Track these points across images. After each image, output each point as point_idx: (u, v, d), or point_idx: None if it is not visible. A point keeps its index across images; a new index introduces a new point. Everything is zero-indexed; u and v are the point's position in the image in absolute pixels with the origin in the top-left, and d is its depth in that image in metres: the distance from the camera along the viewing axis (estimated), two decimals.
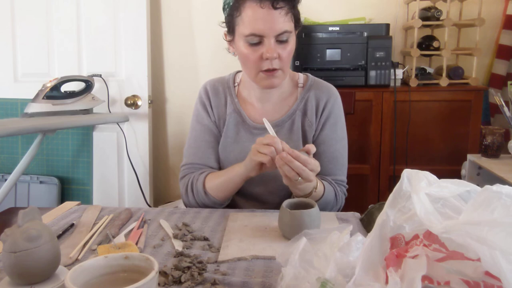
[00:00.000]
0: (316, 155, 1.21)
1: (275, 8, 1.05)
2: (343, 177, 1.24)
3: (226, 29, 1.17)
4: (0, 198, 1.91)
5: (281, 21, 1.06)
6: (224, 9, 1.15)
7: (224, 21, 1.17)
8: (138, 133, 2.34)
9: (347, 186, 1.26)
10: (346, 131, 1.27)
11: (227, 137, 1.24)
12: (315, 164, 0.99)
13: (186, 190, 1.20)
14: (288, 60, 1.13)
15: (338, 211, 1.22)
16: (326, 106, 1.23)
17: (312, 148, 1.00)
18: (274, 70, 1.11)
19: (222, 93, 1.27)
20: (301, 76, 1.29)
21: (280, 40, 1.09)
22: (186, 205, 1.23)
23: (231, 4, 1.11)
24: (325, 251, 0.64)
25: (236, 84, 1.29)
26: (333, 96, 1.25)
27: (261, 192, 1.23)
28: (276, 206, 1.02)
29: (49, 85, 2.02)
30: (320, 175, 1.21)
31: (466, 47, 2.28)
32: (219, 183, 1.16)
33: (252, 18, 1.06)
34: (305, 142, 1.22)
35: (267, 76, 1.12)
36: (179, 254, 0.85)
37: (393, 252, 0.55)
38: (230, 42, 1.17)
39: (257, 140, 1.04)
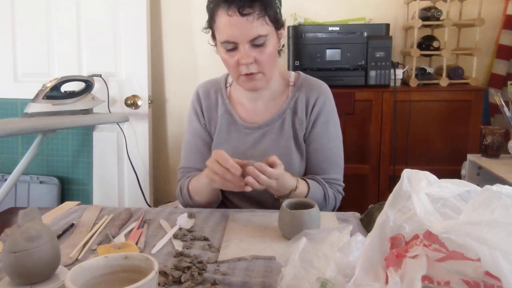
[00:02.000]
0: (308, 154, 1.22)
1: (242, 15, 1.04)
2: (337, 176, 1.23)
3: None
4: (0, 198, 1.91)
5: (252, 26, 1.05)
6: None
7: (206, 26, 1.17)
8: (138, 133, 2.34)
9: (343, 185, 1.24)
10: (340, 129, 1.26)
11: (219, 138, 1.25)
12: (271, 173, 0.98)
13: (178, 194, 1.25)
14: (268, 63, 1.11)
15: (333, 211, 1.21)
16: (316, 103, 1.22)
17: (274, 160, 1.00)
18: (252, 74, 1.10)
19: (214, 95, 1.28)
20: (292, 75, 1.28)
21: (256, 44, 1.08)
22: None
23: (208, 11, 1.12)
24: (325, 251, 0.64)
25: (228, 84, 1.30)
26: (323, 94, 1.23)
27: (259, 192, 1.22)
28: (275, 206, 1.02)
29: (49, 85, 2.02)
30: (312, 174, 1.21)
31: (466, 47, 2.28)
32: (198, 189, 1.17)
33: (224, 25, 1.07)
34: (296, 141, 1.21)
35: (247, 80, 1.12)
36: (179, 254, 0.85)
37: (393, 252, 0.55)
38: (215, 46, 1.18)
39: (208, 162, 1.01)
